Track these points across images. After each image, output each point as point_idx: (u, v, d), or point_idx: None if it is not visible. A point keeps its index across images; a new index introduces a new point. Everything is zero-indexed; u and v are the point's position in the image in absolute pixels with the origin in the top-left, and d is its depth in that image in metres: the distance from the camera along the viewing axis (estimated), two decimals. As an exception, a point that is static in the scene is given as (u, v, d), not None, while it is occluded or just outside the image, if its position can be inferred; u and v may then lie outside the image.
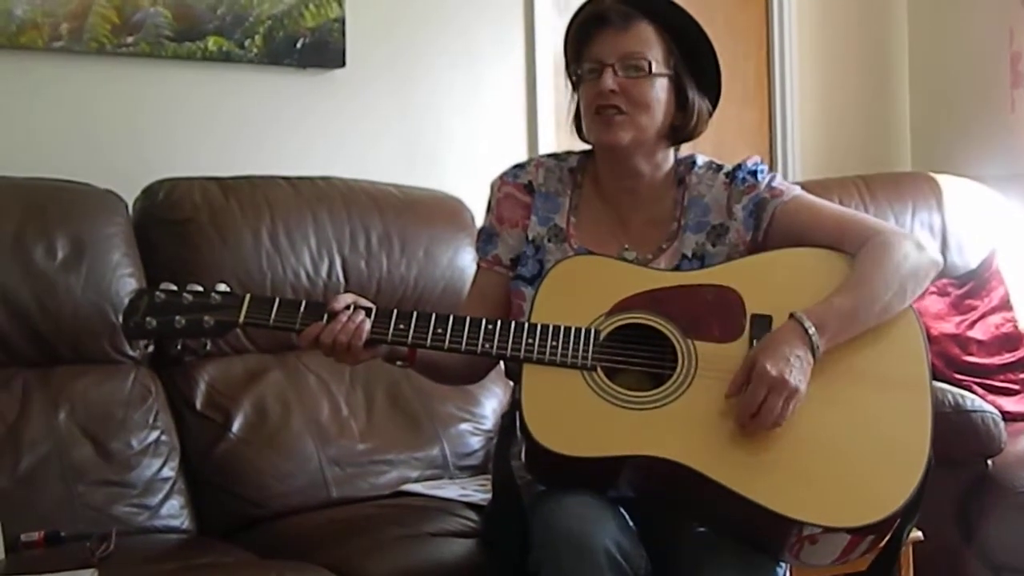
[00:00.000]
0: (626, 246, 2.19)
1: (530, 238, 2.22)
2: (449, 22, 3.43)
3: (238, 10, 3.05)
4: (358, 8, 3.23)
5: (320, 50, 3.17)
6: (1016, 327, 3.42)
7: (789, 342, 1.94)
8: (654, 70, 2.12)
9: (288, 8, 3.11)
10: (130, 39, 2.91)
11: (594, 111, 2.14)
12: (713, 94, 2.21)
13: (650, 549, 1.96)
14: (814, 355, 1.95)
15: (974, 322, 3.42)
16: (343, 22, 3.19)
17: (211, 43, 3.02)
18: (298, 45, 3.14)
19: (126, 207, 2.74)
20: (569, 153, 2.30)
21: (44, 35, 2.81)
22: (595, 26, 2.15)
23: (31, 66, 2.84)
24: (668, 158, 2.24)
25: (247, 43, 3.07)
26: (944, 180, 3.75)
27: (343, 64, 3.21)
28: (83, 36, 2.85)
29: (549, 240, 2.20)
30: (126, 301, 2.05)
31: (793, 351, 1.93)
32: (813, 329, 1.95)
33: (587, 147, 2.27)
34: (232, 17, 3.04)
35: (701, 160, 2.25)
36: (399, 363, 2.12)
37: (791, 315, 1.97)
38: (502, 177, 2.28)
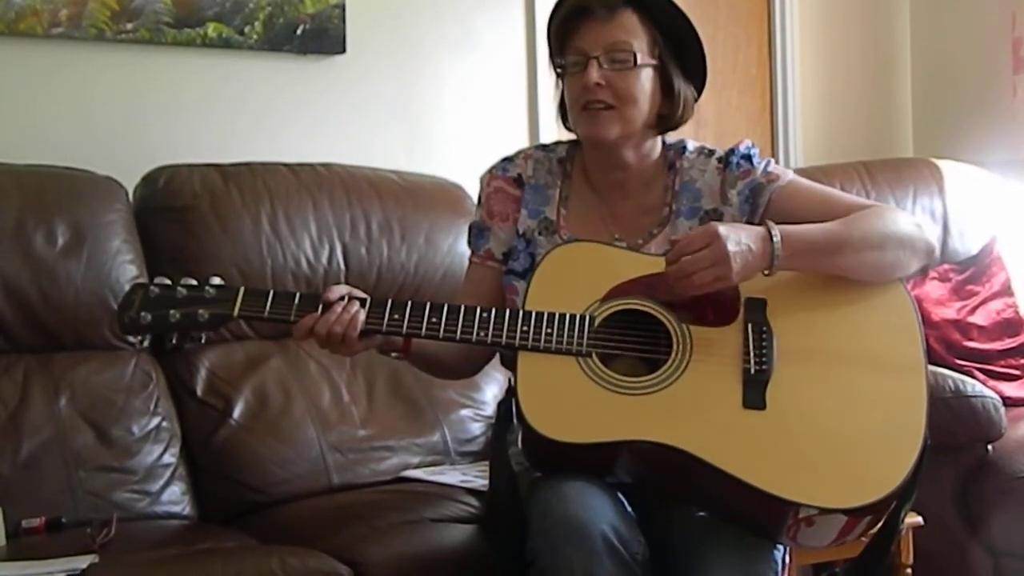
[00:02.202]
0: (616, 235, 2.18)
1: (520, 232, 2.21)
2: (450, 8, 3.42)
3: (238, -4, 3.05)
4: (358, -6, 3.24)
5: (320, 36, 3.17)
6: (1017, 312, 3.42)
7: (751, 235, 1.97)
8: (639, 61, 2.11)
9: (288, -6, 3.12)
10: (129, 25, 2.91)
11: (580, 106, 2.13)
12: (698, 80, 2.20)
13: (648, 534, 1.96)
14: (772, 262, 1.97)
15: (975, 308, 3.42)
16: (343, 8, 3.19)
17: (211, 29, 3.02)
18: (298, 31, 3.14)
19: (126, 194, 2.74)
20: (558, 143, 2.29)
21: (43, 22, 2.81)
22: (578, 17, 2.13)
23: (30, 53, 2.84)
24: (656, 146, 2.23)
25: (247, 29, 3.07)
26: (946, 166, 3.74)
27: (343, 50, 3.21)
28: (82, 23, 2.85)
29: (540, 233, 2.20)
30: (126, 288, 2.06)
31: (750, 242, 1.96)
32: (778, 237, 1.98)
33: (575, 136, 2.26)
34: (232, 3, 3.04)
35: (692, 145, 2.24)
36: (394, 355, 2.12)
37: (765, 223, 2.01)
38: (491, 171, 2.27)
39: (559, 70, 2.18)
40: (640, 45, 2.12)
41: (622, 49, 2.11)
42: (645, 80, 2.13)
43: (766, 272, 2.00)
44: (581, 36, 2.12)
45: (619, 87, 2.11)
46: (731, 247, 1.93)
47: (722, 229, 1.95)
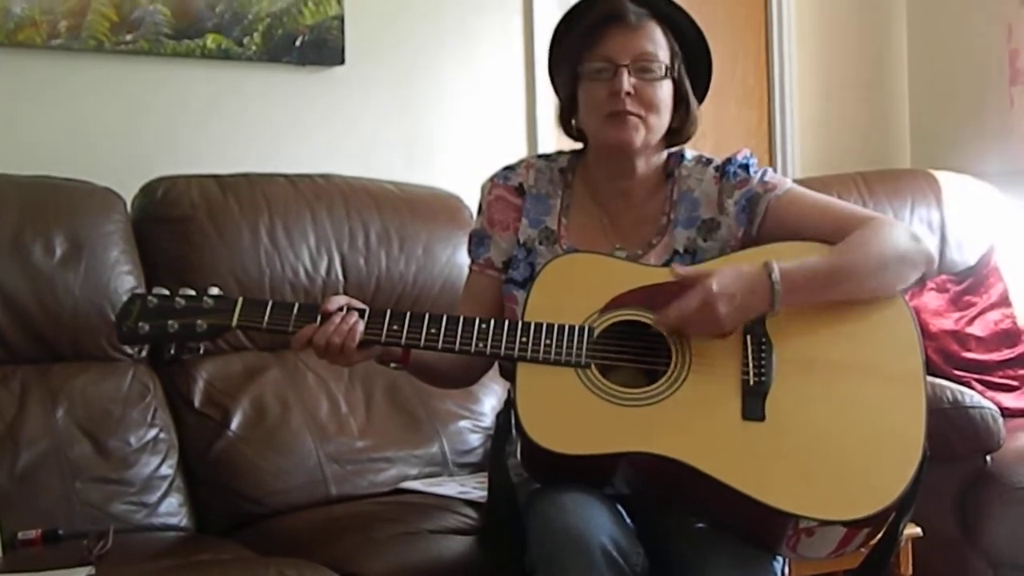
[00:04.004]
0: (617, 245, 2.19)
1: (521, 241, 2.21)
2: (448, 18, 3.43)
3: (237, 7, 3.05)
4: (357, 5, 3.24)
5: (319, 47, 3.17)
6: (1015, 323, 3.41)
7: (746, 282, 1.97)
8: (666, 73, 2.12)
9: (287, 5, 3.12)
10: (129, 37, 2.92)
11: (607, 112, 2.12)
12: (699, 93, 2.21)
13: (647, 545, 1.96)
14: (773, 302, 1.97)
15: (973, 318, 3.42)
16: (342, 19, 3.20)
17: (210, 41, 3.02)
18: (297, 43, 3.14)
19: (125, 205, 2.74)
20: (560, 153, 2.29)
21: (42, 33, 2.82)
22: (607, 23, 2.12)
23: (29, 64, 2.85)
24: (661, 158, 2.23)
25: (246, 41, 3.07)
26: (943, 177, 3.75)
27: (342, 61, 3.22)
28: (81, 34, 2.86)
29: (540, 243, 2.20)
30: (124, 299, 2.06)
31: (745, 293, 1.96)
32: (778, 275, 1.97)
33: (577, 146, 2.26)
34: (231, 15, 3.04)
35: (690, 154, 2.25)
36: (393, 365, 2.12)
37: (764, 263, 1.99)
38: (492, 179, 2.27)
39: (574, 75, 2.16)
40: (664, 57, 2.13)
41: (651, 60, 2.11)
42: (667, 92, 2.14)
43: (769, 314, 2.00)
44: (607, 43, 2.11)
45: (646, 97, 2.11)
46: (722, 309, 1.94)
47: (715, 287, 1.95)
